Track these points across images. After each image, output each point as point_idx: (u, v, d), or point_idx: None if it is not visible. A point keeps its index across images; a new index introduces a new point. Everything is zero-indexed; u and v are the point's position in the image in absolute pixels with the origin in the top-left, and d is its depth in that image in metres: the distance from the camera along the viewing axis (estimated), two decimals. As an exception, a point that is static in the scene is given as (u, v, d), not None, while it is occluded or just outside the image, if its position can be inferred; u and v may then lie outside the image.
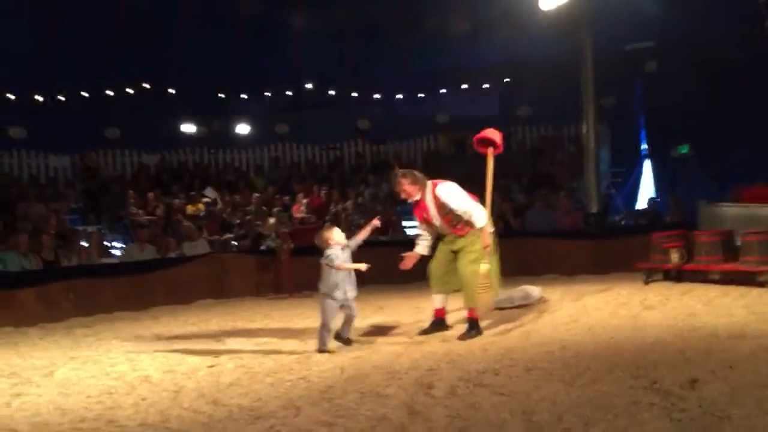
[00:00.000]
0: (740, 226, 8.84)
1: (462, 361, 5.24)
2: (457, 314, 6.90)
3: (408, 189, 6.44)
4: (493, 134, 6.52)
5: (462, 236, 6.38)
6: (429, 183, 6.45)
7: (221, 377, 5.33)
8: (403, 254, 6.61)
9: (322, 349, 6.02)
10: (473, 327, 6.33)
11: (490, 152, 6.52)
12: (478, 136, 6.62)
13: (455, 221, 6.35)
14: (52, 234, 10.89)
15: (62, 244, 10.78)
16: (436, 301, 6.68)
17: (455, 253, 6.46)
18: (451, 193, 6.36)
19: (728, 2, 12.91)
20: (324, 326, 6.12)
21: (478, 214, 6.31)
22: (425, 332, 6.56)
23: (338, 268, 6.12)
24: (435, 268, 6.58)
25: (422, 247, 6.61)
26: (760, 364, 4.48)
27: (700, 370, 4.44)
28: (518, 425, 3.67)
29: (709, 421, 3.48)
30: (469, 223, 6.32)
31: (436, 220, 6.41)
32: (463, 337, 6.22)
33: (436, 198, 6.35)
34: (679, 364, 4.66)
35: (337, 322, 6.27)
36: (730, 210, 9.65)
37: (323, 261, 6.16)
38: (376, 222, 6.59)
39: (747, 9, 10.87)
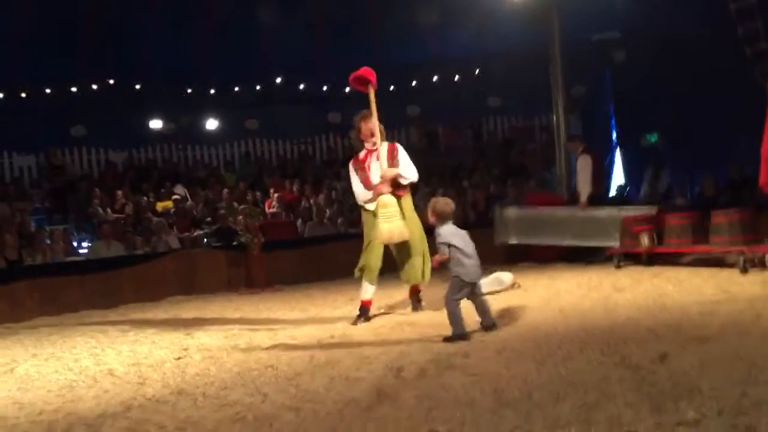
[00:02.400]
0: (525, 228, 10.06)
1: (432, 345, 5.17)
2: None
3: (373, 131, 6.59)
4: (367, 72, 6.62)
5: (400, 197, 6.57)
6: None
7: (187, 368, 5.21)
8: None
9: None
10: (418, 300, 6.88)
11: (370, 90, 6.61)
12: (354, 75, 6.69)
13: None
14: (16, 233, 10.65)
15: (26, 244, 10.54)
16: (369, 292, 6.72)
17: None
18: (402, 149, 6.76)
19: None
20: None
21: (414, 171, 6.69)
22: (355, 323, 6.58)
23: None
24: (375, 261, 6.60)
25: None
26: (730, 338, 4.47)
27: (670, 345, 4.41)
28: (488, 403, 3.60)
29: (679, 393, 3.44)
30: (402, 187, 6.60)
31: (378, 170, 6.54)
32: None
33: (393, 149, 6.66)
34: (650, 340, 4.64)
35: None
36: (516, 212, 10.44)
37: None
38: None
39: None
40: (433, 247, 5.83)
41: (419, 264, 6.62)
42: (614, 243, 9.23)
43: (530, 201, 11.14)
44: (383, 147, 6.62)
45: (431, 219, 5.59)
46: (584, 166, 9.85)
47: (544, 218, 10.15)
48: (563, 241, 9.93)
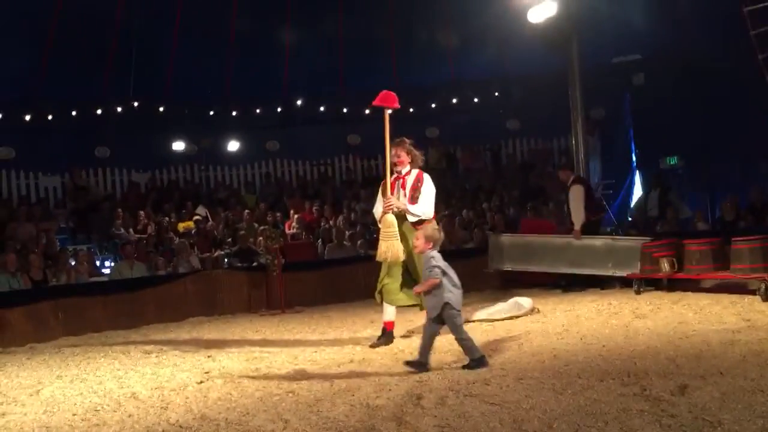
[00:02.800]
0: (517, 254, 10.22)
1: (452, 372, 5.20)
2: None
3: (405, 158, 6.77)
4: (389, 97, 6.76)
5: (416, 226, 6.55)
6: (418, 168, 6.86)
7: (210, 392, 5.27)
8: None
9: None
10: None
11: (386, 114, 6.74)
12: (377, 102, 6.80)
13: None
14: (41, 253, 10.83)
15: (50, 264, 10.71)
16: (391, 314, 6.82)
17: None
18: (429, 182, 6.80)
19: (712, 12, 13.02)
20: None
21: (428, 209, 6.71)
22: (375, 345, 6.66)
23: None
24: (394, 284, 6.68)
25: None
26: (750, 369, 4.46)
27: (690, 376, 4.42)
28: (508, 434, 3.63)
29: (699, 427, 3.46)
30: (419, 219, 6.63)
31: (402, 197, 6.70)
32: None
33: (418, 179, 6.74)
34: (670, 370, 4.64)
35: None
36: (509, 239, 10.58)
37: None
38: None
39: (731, 18, 10.95)
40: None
41: None
42: (608, 272, 9.53)
43: (524, 227, 11.32)
44: (411, 176, 6.78)
45: (421, 245, 5.51)
46: (576, 195, 9.95)
47: (537, 246, 10.30)
48: (558, 268, 10.04)
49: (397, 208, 6.63)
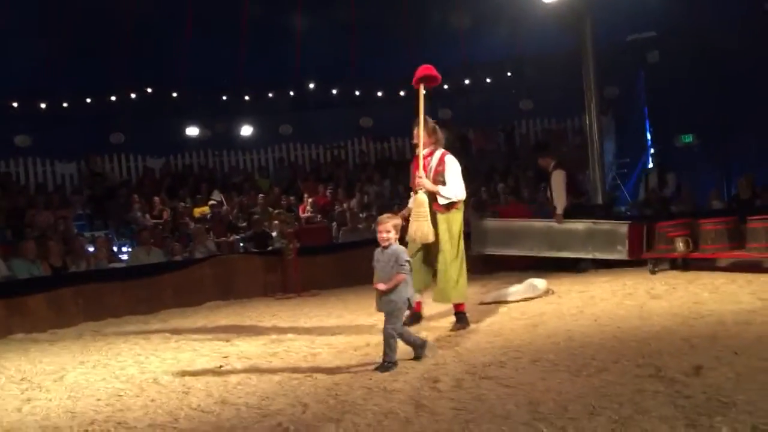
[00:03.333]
0: (499, 238, 10.35)
1: (468, 355, 5.26)
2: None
3: (426, 138, 6.48)
4: (430, 73, 6.44)
5: (442, 213, 6.40)
6: (442, 148, 6.55)
7: (229, 377, 5.35)
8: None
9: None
10: (461, 319, 6.56)
11: (420, 87, 6.45)
12: (418, 75, 6.46)
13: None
14: (60, 240, 10.96)
15: (69, 250, 10.84)
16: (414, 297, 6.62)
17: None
18: (454, 163, 6.49)
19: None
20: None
21: (459, 191, 6.43)
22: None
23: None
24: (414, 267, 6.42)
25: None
26: (765, 349, 4.49)
27: (705, 357, 4.45)
28: (523, 416, 3.68)
29: (714, 407, 3.49)
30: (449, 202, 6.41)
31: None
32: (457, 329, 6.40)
33: (441, 161, 6.44)
34: (684, 351, 4.68)
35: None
36: (491, 223, 10.73)
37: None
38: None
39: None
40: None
41: (446, 284, 6.44)
42: (588, 254, 9.74)
43: (502, 214, 11.48)
44: (434, 157, 6.49)
45: (394, 237, 5.19)
46: (558, 180, 9.98)
47: (518, 229, 10.43)
48: (539, 252, 10.15)
49: (428, 188, 6.34)
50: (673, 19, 14.84)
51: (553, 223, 10.05)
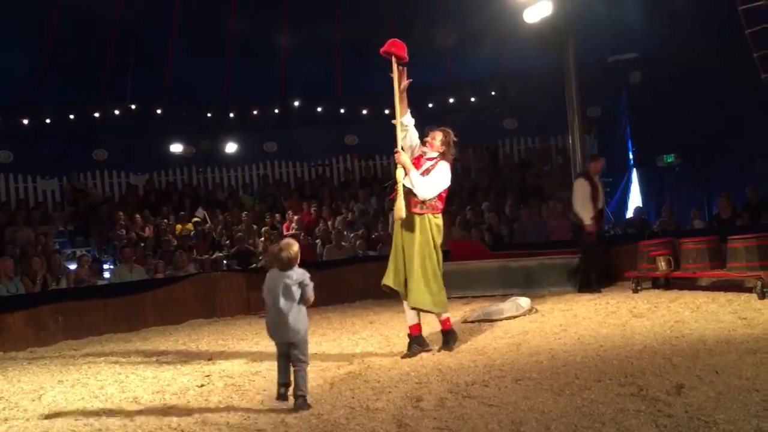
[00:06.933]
0: (458, 281, 9.95)
1: (451, 374, 5.24)
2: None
3: (438, 145, 6.38)
4: (396, 45, 6.43)
5: (417, 215, 6.21)
6: (445, 161, 6.39)
7: (211, 396, 5.31)
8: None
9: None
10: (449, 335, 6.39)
11: (394, 60, 6.44)
12: (384, 49, 6.46)
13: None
14: (40, 257, 10.85)
15: (49, 267, 10.73)
16: (410, 316, 6.37)
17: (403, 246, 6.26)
18: (444, 171, 6.31)
19: (709, 11, 13.08)
20: None
21: (427, 190, 6.19)
22: (407, 356, 6.20)
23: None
24: (390, 264, 6.32)
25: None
26: (745, 368, 4.51)
27: (686, 376, 4.47)
28: (506, 435, 3.67)
29: (695, 426, 3.50)
30: (423, 203, 6.23)
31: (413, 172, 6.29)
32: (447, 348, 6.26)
33: (436, 164, 6.30)
34: (666, 370, 4.69)
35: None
36: (450, 268, 9.97)
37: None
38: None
39: (728, 17, 11.00)
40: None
41: (421, 288, 6.14)
42: (544, 291, 9.78)
43: (453, 248, 10.89)
44: (432, 162, 6.33)
45: (286, 260, 4.75)
46: (581, 190, 9.75)
47: (476, 272, 10.49)
48: (495, 291, 10.13)
49: (403, 164, 6.20)
50: (655, 41, 15.03)
51: (507, 262, 10.25)
